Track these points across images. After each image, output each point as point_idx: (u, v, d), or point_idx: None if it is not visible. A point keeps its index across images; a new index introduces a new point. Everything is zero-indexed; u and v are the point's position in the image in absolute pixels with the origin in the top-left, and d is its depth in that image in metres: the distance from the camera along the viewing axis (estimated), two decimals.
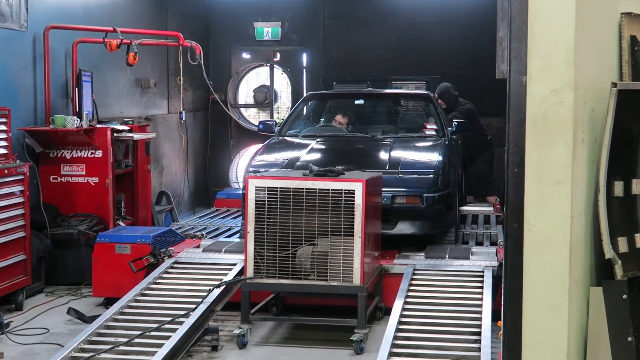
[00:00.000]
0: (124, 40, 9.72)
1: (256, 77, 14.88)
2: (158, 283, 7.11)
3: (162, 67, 12.73)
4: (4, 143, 7.85)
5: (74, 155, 9.16)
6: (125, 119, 10.34)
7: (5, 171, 7.64)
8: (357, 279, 6.36)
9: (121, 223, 9.32)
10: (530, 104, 4.03)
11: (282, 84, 14.74)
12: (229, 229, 9.52)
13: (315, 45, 14.25)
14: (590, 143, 4.14)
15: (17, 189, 7.82)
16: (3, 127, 7.82)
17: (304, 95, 12.53)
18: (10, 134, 7.93)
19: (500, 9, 9.25)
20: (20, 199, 7.86)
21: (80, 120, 9.07)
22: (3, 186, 7.60)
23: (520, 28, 4.08)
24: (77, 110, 9.40)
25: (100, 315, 6.55)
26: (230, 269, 7.27)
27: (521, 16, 4.07)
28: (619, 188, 4.18)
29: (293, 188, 6.52)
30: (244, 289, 6.64)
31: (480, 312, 6.26)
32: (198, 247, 8.12)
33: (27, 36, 9.12)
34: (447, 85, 10.95)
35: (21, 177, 7.87)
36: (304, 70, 14.37)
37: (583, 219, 4.12)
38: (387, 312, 6.72)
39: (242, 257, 7.20)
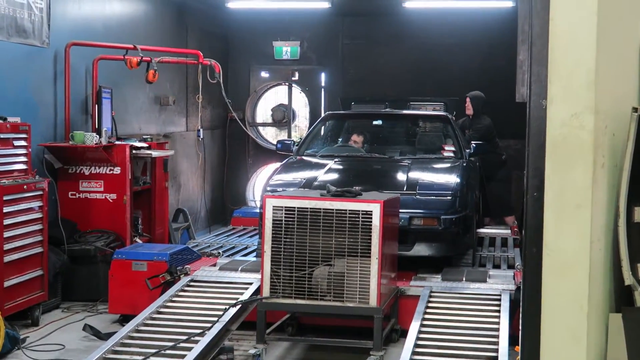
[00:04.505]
0: (144, 58, 9.77)
1: (274, 96, 14.92)
2: (174, 301, 7.09)
3: (181, 84, 12.79)
4: (24, 159, 7.88)
5: (93, 172, 9.20)
6: (144, 136, 10.39)
7: (25, 187, 7.68)
8: (373, 301, 6.32)
9: (138, 240, 9.34)
10: (551, 127, 4.02)
11: (300, 103, 14.77)
12: (246, 248, 9.50)
13: (333, 64, 14.31)
14: (610, 168, 4.12)
15: (35, 204, 7.85)
16: (23, 143, 7.86)
17: (322, 114, 12.57)
18: (30, 150, 7.98)
19: (520, 32, 9.26)
20: (39, 215, 7.89)
21: (100, 137, 9.11)
22: (22, 201, 7.63)
23: (540, 51, 4.08)
24: (97, 126, 9.45)
25: (116, 332, 6.53)
26: (246, 288, 7.26)
27: (542, 39, 4.07)
28: (639, 214, 4.15)
29: (310, 208, 6.49)
30: (260, 309, 6.60)
31: (497, 336, 6.21)
32: (214, 265, 8.10)
33: (48, 52, 9.19)
34: (480, 93, 11.05)
35: (40, 192, 7.91)
36: (322, 89, 14.42)
37: (602, 244, 4.09)
38: (403, 334, 6.68)
39: (258, 276, 7.19)
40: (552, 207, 4.02)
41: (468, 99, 11.04)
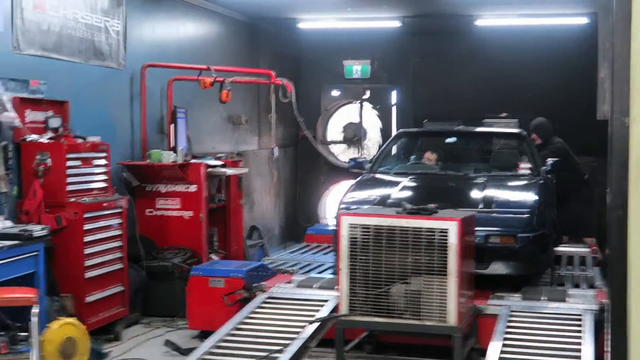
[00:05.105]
0: (217, 78, 9.88)
1: (345, 114, 14.99)
2: (252, 317, 7.13)
3: (253, 104, 12.95)
4: (104, 177, 8.09)
5: (169, 190, 9.35)
6: (218, 155, 10.53)
7: (104, 204, 7.86)
8: (452, 319, 6.29)
9: (214, 257, 9.45)
10: (633, 145, 3.96)
11: (372, 121, 14.80)
12: (320, 265, 9.53)
13: (404, 82, 14.32)
14: None
15: (115, 221, 8.03)
16: (103, 162, 8.07)
17: (393, 132, 12.56)
18: (109, 168, 8.17)
19: (601, 49, 9.12)
20: (119, 232, 8.07)
21: (176, 155, 9.26)
22: (103, 219, 7.82)
23: (622, 69, 4.04)
24: (172, 145, 9.61)
25: (196, 348, 6.60)
26: (322, 305, 7.27)
27: (623, 57, 4.03)
28: None
29: (386, 226, 6.49)
30: (338, 326, 6.61)
31: (579, 357, 6.10)
32: (289, 282, 8.14)
33: (124, 74, 9.42)
34: (542, 119, 10.87)
35: (119, 210, 8.09)
36: (394, 107, 14.43)
37: None
38: (482, 353, 6.60)
39: (334, 293, 7.22)
40: (636, 226, 3.96)
41: (532, 132, 10.80)
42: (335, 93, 14.84)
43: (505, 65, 13.52)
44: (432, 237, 6.38)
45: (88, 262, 7.60)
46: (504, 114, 11.73)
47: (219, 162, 9.89)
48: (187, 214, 9.31)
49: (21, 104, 7.49)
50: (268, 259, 10.11)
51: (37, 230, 6.67)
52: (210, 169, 9.55)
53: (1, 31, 7.35)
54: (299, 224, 14.19)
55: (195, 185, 9.29)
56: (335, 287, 7.10)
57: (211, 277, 7.92)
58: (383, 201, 8.23)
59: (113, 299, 7.95)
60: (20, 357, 6.26)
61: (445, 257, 6.32)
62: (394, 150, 10.45)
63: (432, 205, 6.86)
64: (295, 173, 14.57)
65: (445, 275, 6.31)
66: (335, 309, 6.94)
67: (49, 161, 7.38)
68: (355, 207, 8.05)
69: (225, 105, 10.69)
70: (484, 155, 10.12)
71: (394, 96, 14.50)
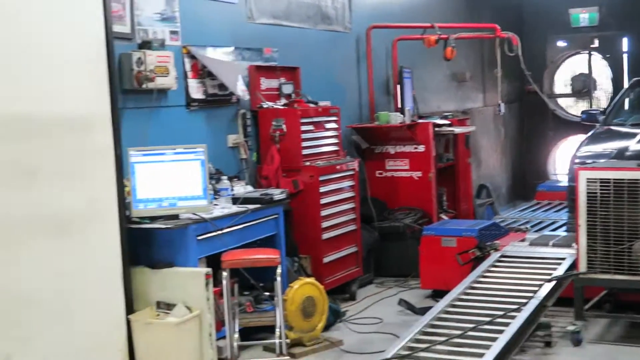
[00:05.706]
0: (441, 36, 9.78)
1: (573, 66, 14.45)
2: (486, 276, 7.04)
3: (476, 60, 12.76)
4: (336, 140, 8.28)
5: (398, 150, 9.40)
6: (444, 113, 10.47)
7: (337, 167, 8.04)
8: None
9: (444, 216, 9.45)
10: None
11: (601, 71, 14.18)
12: (553, 222, 9.28)
13: (636, 28, 13.57)
14: None
15: (347, 184, 8.19)
16: (334, 125, 8.25)
17: (625, 82, 11.96)
18: (340, 132, 8.34)
19: None
20: (351, 194, 8.22)
21: (403, 117, 9.30)
22: (336, 182, 7.99)
23: None
24: (399, 106, 9.65)
25: (430, 307, 6.58)
26: (559, 264, 7.06)
27: None
28: None
29: (628, 179, 6.23)
30: (577, 285, 6.45)
31: None
32: (523, 240, 7.97)
33: (350, 37, 9.57)
34: None
35: (351, 172, 8.24)
36: (625, 55, 13.72)
37: None
38: None
39: (571, 251, 7.02)
40: None
41: None
42: (561, 44, 14.31)
43: None
44: None
45: (324, 224, 7.79)
46: None
47: (446, 121, 9.84)
48: (416, 174, 9.34)
49: (257, 72, 7.80)
50: (498, 218, 9.97)
51: (277, 193, 6.92)
52: (437, 129, 9.52)
53: (236, 3, 7.66)
54: (526, 181, 13.87)
55: (424, 145, 9.29)
56: (572, 245, 6.92)
57: (443, 237, 7.88)
58: (621, 154, 7.88)
59: (348, 259, 8.14)
60: (266, 315, 6.58)
61: None
62: (628, 100, 9.97)
63: None
64: (521, 129, 14.24)
65: None
66: (572, 267, 6.75)
67: (284, 127, 7.65)
68: (590, 161, 7.74)
69: (449, 62, 10.53)
70: None
71: (624, 43, 13.78)
